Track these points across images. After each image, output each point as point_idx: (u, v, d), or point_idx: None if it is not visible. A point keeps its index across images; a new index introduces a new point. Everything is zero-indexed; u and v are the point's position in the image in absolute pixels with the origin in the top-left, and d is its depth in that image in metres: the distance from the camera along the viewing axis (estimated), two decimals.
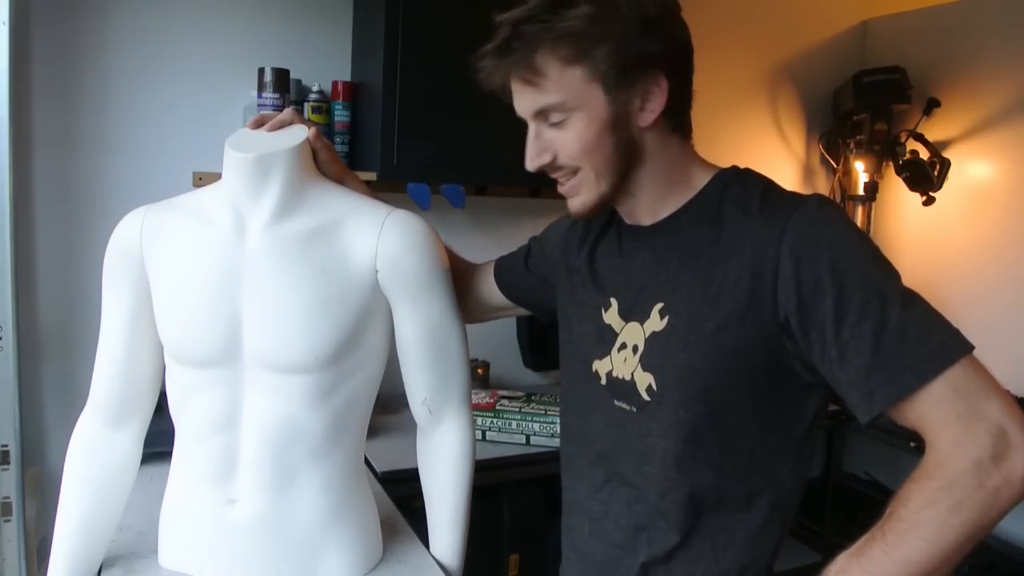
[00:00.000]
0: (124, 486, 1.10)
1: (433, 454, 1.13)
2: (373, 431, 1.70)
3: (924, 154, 2.45)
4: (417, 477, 1.15)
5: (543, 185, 2.21)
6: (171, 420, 1.07)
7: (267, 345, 0.99)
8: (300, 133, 1.03)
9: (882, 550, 0.74)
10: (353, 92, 1.98)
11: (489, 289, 1.22)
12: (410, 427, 1.15)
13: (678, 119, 0.90)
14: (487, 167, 1.97)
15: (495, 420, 1.87)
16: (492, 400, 1.93)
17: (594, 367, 0.97)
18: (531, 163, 0.90)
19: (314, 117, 1.93)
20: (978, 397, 0.74)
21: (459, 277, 1.18)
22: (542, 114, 0.87)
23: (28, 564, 1.67)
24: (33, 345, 1.78)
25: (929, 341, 0.75)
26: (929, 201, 2.45)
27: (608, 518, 0.97)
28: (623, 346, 0.93)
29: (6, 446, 1.63)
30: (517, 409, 1.88)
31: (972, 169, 2.43)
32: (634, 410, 0.92)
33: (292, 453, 1.01)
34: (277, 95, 1.79)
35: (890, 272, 0.80)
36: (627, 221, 0.97)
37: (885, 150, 2.55)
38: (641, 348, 0.90)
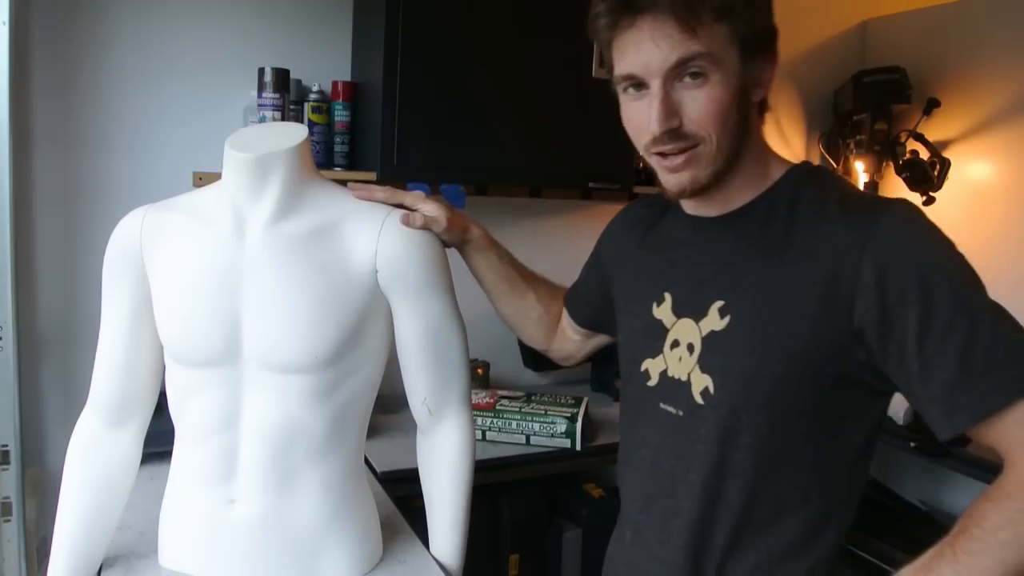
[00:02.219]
0: (124, 486, 1.10)
1: (433, 454, 1.13)
2: (373, 431, 1.70)
3: (924, 154, 2.45)
4: (417, 477, 1.15)
5: (543, 185, 2.22)
6: (171, 420, 1.07)
7: (267, 345, 0.99)
8: (300, 133, 1.03)
9: (952, 569, 0.72)
10: (353, 92, 1.98)
11: (568, 323, 1.20)
12: (410, 427, 1.15)
13: (764, 107, 0.89)
14: (487, 167, 1.97)
15: (495, 420, 1.87)
16: (492, 400, 1.93)
17: (643, 366, 0.94)
18: (661, 124, 0.81)
19: (314, 117, 1.93)
20: None
21: (549, 308, 1.19)
22: (680, 67, 0.80)
23: (28, 564, 1.67)
24: (33, 345, 1.78)
25: (1019, 361, 0.73)
26: (929, 201, 2.45)
27: (649, 528, 0.94)
28: (675, 344, 0.90)
29: (6, 446, 1.63)
30: (517, 409, 1.88)
31: (972, 169, 2.43)
32: (681, 414, 0.89)
33: (292, 453, 1.01)
34: (277, 95, 1.78)
35: (978, 286, 0.77)
36: (688, 211, 0.94)
37: (885, 150, 2.55)
38: (698, 348, 0.87)
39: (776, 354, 0.82)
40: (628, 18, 0.81)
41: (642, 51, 0.80)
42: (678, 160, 0.84)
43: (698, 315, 0.88)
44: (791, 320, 0.81)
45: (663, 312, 0.93)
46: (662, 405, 0.92)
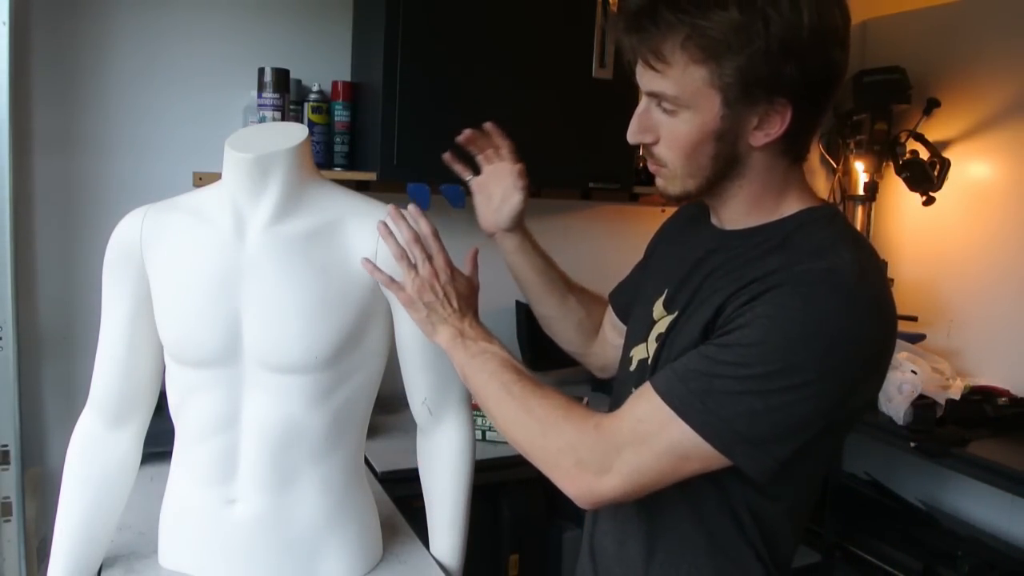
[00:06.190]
0: (124, 486, 1.10)
1: (433, 454, 1.13)
2: (373, 431, 1.69)
3: (924, 154, 2.45)
4: (417, 477, 1.15)
5: (543, 185, 2.22)
6: (171, 420, 1.07)
7: (267, 345, 0.99)
8: (300, 133, 1.03)
9: (487, 372, 0.91)
10: (353, 92, 1.98)
11: (609, 325, 1.19)
12: (410, 427, 1.15)
13: (792, 143, 0.85)
14: None
15: None
16: None
17: (631, 352, 0.97)
18: (632, 137, 0.88)
19: (314, 117, 1.93)
20: (649, 443, 0.79)
21: (593, 311, 1.19)
22: (655, 96, 0.85)
23: (28, 564, 1.67)
24: (33, 345, 1.78)
25: (707, 398, 0.77)
26: (929, 201, 2.45)
27: (601, 517, 0.98)
28: (658, 336, 0.93)
29: (6, 446, 1.63)
30: None
31: (972, 169, 2.43)
32: None
33: (292, 453, 1.01)
34: (277, 95, 1.79)
35: (795, 377, 0.75)
36: (711, 219, 0.96)
37: (885, 150, 2.55)
38: (664, 340, 0.91)
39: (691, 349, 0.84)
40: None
41: (638, 67, 0.86)
42: (653, 168, 0.90)
43: (674, 311, 0.92)
44: (703, 319, 0.84)
45: (658, 306, 0.96)
46: (634, 389, 0.93)
